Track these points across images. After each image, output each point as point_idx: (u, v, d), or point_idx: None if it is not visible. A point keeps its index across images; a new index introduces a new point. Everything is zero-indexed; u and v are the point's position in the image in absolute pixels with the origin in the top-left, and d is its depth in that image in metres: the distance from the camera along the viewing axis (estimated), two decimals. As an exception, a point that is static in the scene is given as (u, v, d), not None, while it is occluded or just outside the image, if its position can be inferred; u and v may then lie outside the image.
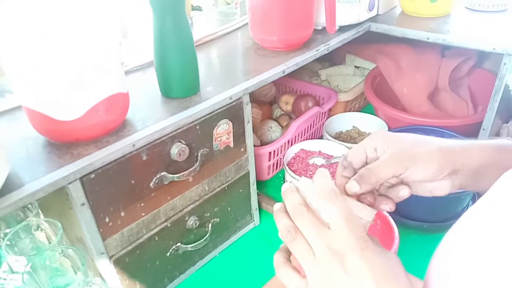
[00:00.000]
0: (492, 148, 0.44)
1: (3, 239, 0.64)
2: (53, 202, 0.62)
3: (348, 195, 0.42)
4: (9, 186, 0.49)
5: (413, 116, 0.98)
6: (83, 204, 0.54)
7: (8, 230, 0.65)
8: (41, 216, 0.70)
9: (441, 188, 0.44)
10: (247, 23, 0.88)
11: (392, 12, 1.02)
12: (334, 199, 0.37)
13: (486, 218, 0.32)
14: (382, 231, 0.63)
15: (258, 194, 0.87)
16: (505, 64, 0.78)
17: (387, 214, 0.63)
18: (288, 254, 0.40)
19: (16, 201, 0.47)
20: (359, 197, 0.43)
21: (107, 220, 0.58)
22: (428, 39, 0.87)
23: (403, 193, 0.44)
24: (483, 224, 0.31)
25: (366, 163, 0.45)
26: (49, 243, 0.65)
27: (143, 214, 0.63)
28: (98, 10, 0.52)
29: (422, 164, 0.42)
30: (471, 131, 0.91)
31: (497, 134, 0.91)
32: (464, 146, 0.44)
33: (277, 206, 0.40)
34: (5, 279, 0.61)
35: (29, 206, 0.72)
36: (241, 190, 0.79)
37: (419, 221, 0.79)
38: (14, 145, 0.57)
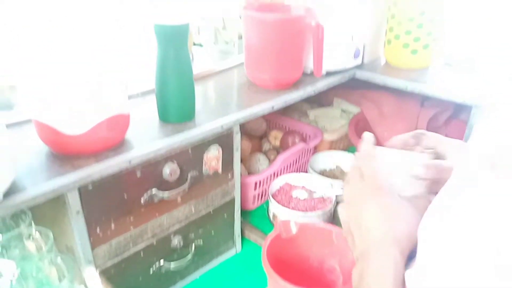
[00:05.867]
0: None
1: (-5, 245, 0.67)
2: (48, 210, 0.66)
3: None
4: (13, 188, 0.54)
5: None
6: (78, 212, 0.58)
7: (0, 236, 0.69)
8: (33, 225, 0.74)
9: None
10: (243, 62, 0.95)
11: (377, 62, 1.11)
12: (367, 160, 0.47)
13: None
14: None
15: (242, 222, 0.91)
16: (473, 114, 0.86)
17: None
18: None
19: (19, 204, 0.52)
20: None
21: (98, 230, 0.62)
22: (406, 88, 0.95)
23: None
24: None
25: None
26: (39, 253, 0.68)
27: (132, 227, 0.67)
28: (108, 39, 0.59)
29: None
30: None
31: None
32: None
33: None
34: (-7, 282, 0.64)
35: (22, 216, 0.75)
36: (225, 216, 0.84)
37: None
38: (20, 154, 0.62)
